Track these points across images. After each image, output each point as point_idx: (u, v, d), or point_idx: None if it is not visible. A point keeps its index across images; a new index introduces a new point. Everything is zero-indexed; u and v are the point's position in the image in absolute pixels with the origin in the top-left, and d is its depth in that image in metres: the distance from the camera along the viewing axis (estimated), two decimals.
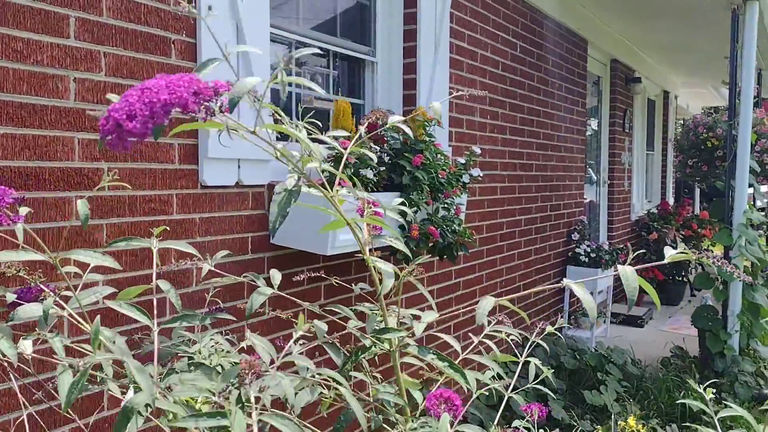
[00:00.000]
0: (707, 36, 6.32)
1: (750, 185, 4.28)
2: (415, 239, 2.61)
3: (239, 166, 2.26)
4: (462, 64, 3.77)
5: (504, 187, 4.37)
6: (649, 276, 7.09)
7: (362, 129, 1.31)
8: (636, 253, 1.16)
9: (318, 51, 1.10)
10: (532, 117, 4.78)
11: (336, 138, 1.44)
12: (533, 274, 4.96)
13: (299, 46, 2.87)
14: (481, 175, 3.15)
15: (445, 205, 2.80)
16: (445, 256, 2.84)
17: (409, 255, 1.31)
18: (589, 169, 6.83)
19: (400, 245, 1.21)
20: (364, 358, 1.22)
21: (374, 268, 1.09)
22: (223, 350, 1.36)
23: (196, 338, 1.43)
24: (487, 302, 1.22)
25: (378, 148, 2.53)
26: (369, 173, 2.42)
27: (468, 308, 1.82)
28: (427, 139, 2.74)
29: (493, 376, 1.61)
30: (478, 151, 3.15)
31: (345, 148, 2.31)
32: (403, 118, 1.29)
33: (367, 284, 1.51)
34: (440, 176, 2.75)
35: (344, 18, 3.18)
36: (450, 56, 3.61)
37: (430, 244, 2.78)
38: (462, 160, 3.09)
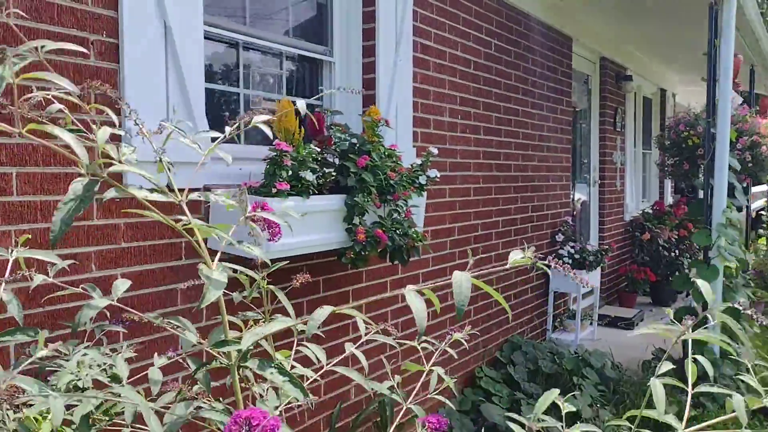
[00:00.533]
0: (698, 32, 6.20)
1: (731, 184, 4.17)
2: (361, 242, 2.54)
3: (168, 170, 2.19)
4: (428, 63, 3.69)
5: (478, 188, 4.29)
6: (641, 277, 6.98)
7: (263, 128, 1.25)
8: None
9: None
10: (509, 116, 4.70)
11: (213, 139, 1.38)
12: (513, 277, 4.87)
13: (247, 47, 2.81)
14: (438, 176, 3.07)
15: (396, 208, 2.73)
16: (396, 260, 2.77)
17: (268, 262, 1.24)
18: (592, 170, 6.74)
19: (255, 252, 1.14)
20: (204, 371, 1.15)
21: (206, 276, 1.01)
22: (97, 366, 1.30)
23: (93, 353, 1.37)
24: (420, 307, 1.14)
25: (316, 149, 2.46)
26: (308, 176, 2.35)
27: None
28: (376, 139, 2.67)
29: (392, 386, 1.54)
30: (435, 151, 3.07)
31: (283, 150, 2.25)
32: (265, 118, 1.23)
33: (252, 291, 1.44)
34: (390, 177, 2.68)
35: (299, 17, 3.12)
36: (414, 55, 3.54)
37: (380, 249, 2.71)
38: (419, 161, 3.02)
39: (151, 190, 1.08)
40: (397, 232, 2.68)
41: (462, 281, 0.97)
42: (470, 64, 4.15)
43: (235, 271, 1.26)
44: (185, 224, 1.15)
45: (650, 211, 7.74)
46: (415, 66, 3.56)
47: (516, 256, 1.05)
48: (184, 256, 2.30)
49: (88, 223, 2.00)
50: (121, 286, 1.24)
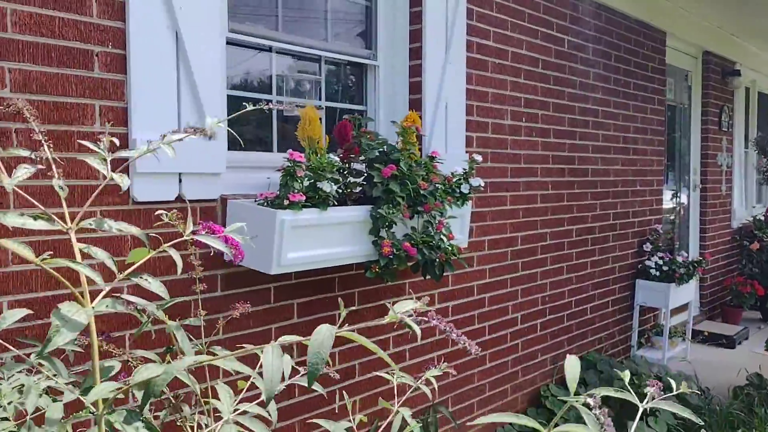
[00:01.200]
0: None
1: None
2: (387, 256, 2.41)
3: (180, 180, 2.17)
4: (486, 64, 3.50)
5: (546, 194, 4.03)
6: (747, 290, 6.36)
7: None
8: None
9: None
10: (586, 117, 4.39)
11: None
12: (589, 289, 4.55)
13: (282, 52, 2.75)
14: (482, 185, 2.88)
15: (430, 219, 2.57)
16: (428, 275, 2.62)
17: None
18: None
19: (153, 286, 1.05)
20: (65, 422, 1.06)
21: (59, 317, 0.92)
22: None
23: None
24: (273, 368, 1.03)
25: (336, 159, 2.35)
26: (326, 186, 2.25)
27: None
28: (406, 147, 2.53)
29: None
30: (479, 158, 2.88)
31: (296, 161, 2.16)
32: (179, 138, 1.13)
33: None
34: (421, 188, 2.53)
35: (340, 20, 3.03)
36: (469, 56, 3.36)
37: (411, 263, 2.57)
38: (458, 169, 2.85)
39: (35, 217, 1.00)
40: (430, 245, 2.52)
41: (323, 339, 0.83)
42: (538, 63, 3.90)
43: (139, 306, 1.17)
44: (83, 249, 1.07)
45: (762, 218, 7.05)
46: (470, 67, 3.38)
47: (404, 307, 0.89)
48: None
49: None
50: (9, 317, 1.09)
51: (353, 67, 3.09)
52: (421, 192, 2.53)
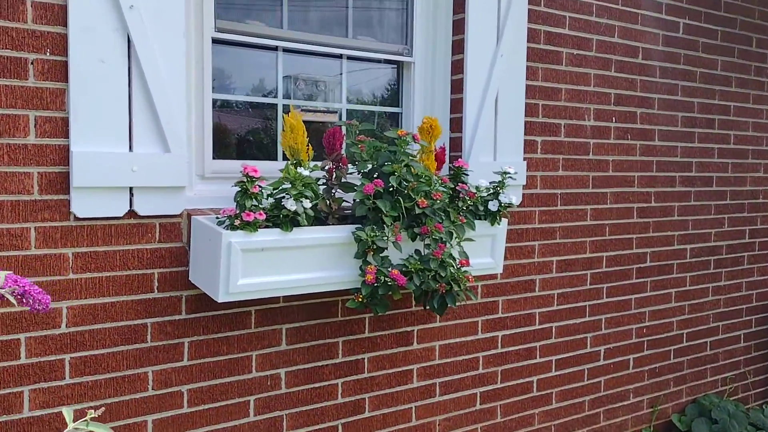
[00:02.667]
0: None
1: None
2: (370, 284, 2.09)
3: (132, 194, 2.01)
4: (558, 56, 2.99)
5: (645, 208, 3.40)
6: None
7: None
8: None
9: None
10: (709, 115, 3.65)
11: None
12: (710, 321, 3.81)
13: (295, 51, 2.51)
14: (514, 202, 2.42)
15: (429, 243, 2.20)
16: (428, 307, 2.24)
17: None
18: None
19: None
20: None
21: None
22: None
23: None
24: None
25: (305, 173, 2.05)
26: (291, 204, 1.98)
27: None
28: (405, 158, 2.17)
29: None
30: (512, 170, 2.43)
31: (249, 175, 1.93)
32: None
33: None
34: (419, 205, 2.16)
35: (367, 8, 2.71)
36: (532, 47, 2.88)
37: (406, 291, 2.22)
38: (484, 183, 2.42)
39: None
40: (428, 272, 2.15)
41: None
42: (636, 52, 3.29)
43: None
44: None
45: None
46: (534, 60, 2.90)
47: None
48: (157, 288, 2.10)
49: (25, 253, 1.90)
50: None
51: (384, 65, 2.77)
52: (420, 210, 2.16)
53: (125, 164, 1.97)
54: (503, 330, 2.92)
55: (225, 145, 2.41)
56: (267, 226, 2.00)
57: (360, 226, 2.14)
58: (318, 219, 2.16)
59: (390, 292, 2.12)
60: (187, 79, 2.20)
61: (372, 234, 2.08)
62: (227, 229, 1.94)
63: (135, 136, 2.00)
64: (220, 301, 1.94)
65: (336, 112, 2.64)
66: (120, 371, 2.05)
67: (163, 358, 2.12)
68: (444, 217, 2.25)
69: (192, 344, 2.17)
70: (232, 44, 2.38)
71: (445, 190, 2.28)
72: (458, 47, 2.73)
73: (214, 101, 2.34)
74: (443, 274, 2.15)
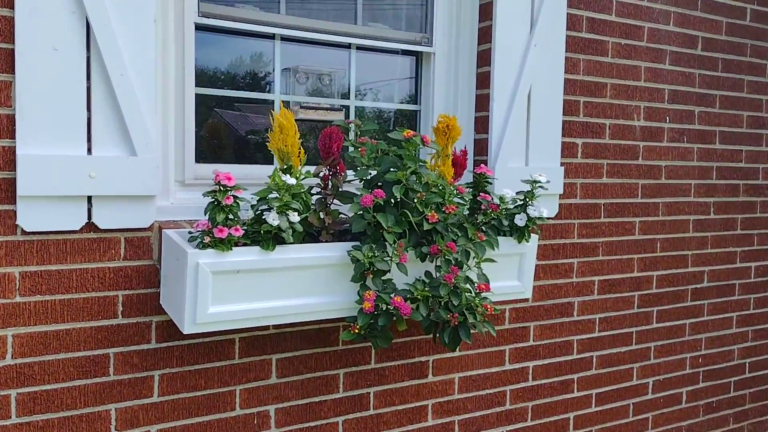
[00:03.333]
0: None
1: None
2: (367, 313, 1.76)
3: (91, 205, 1.72)
4: (603, 45, 2.60)
5: (705, 220, 2.98)
6: None
7: None
8: None
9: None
10: None
11: None
12: None
13: (287, 40, 2.20)
14: (546, 215, 2.06)
15: (440, 264, 1.85)
16: (438, 341, 1.90)
17: None
18: None
19: None
20: None
21: None
22: None
23: None
24: None
25: (291, 180, 1.72)
26: (272, 219, 1.66)
27: None
28: (411, 164, 1.83)
29: None
30: (544, 179, 2.06)
31: (221, 184, 1.63)
32: None
33: None
34: (429, 219, 1.82)
35: None
36: (573, 35, 2.51)
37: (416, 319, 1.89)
38: (509, 193, 2.06)
39: None
40: (437, 299, 1.81)
41: None
42: (695, 42, 2.87)
43: None
44: None
45: None
46: (574, 50, 2.52)
47: None
48: (122, 313, 1.81)
49: None
50: None
51: (399, 56, 2.43)
52: (430, 226, 1.81)
53: (82, 169, 1.69)
54: (535, 360, 2.55)
55: (213, 148, 2.11)
56: (246, 244, 1.70)
57: (358, 243, 1.81)
58: (311, 234, 1.84)
59: (385, 324, 1.79)
60: (165, 72, 1.92)
61: (370, 254, 1.75)
62: (198, 246, 1.64)
63: (94, 136, 1.71)
64: (185, 332, 1.63)
65: (342, 110, 2.31)
66: (77, 409, 1.77)
67: (128, 394, 1.83)
68: (460, 234, 1.90)
69: (163, 378, 1.87)
70: (220, 31, 2.08)
71: (462, 201, 1.93)
72: (485, 36, 2.37)
73: (199, 97, 2.05)
74: (456, 303, 1.81)
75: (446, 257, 1.83)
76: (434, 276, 1.89)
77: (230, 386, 1.97)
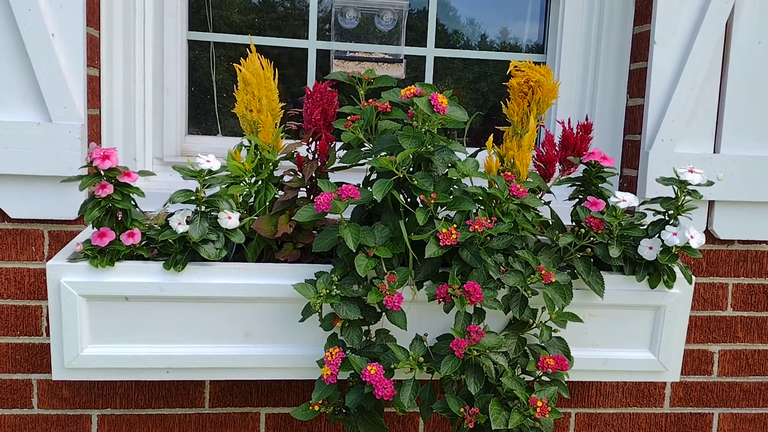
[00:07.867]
0: None
1: None
2: (327, 384, 1.06)
3: None
4: None
5: None
6: None
7: None
8: None
9: None
10: None
11: None
12: None
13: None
14: (695, 244, 1.11)
15: (468, 317, 1.06)
16: None
17: None
18: None
19: None
20: None
21: None
22: None
23: None
24: None
25: (206, 163, 1.08)
26: (176, 223, 1.07)
27: None
28: (432, 147, 1.06)
29: None
30: (698, 178, 1.11)
31: (95, 166, 1.15)
32: None
33: None
34: (443, 240, 1.04)
35: None
36: None
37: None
38: (629, 200, 1.15)
39: None
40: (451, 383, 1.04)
41: None
42: None
43: None
44: None
45: None
46: None
47: None
48: (46, 330, 1.36)
49: None
50: None
51: None
52: (434, 250, 1.04)
53: None
54: None
55: (210, 113, 1.57)
56: (157, 259, 1.12)
57: (329, 266, 1.12)
58: (278, 247, 1.20)
59: (374, 403, 1.07)
60: (142, 9, 1.42)
61: (327, 290, 1.04)
62: (80, 257, 1.11)
63: (5, 98, 1.28)
64: (54, 378, 1.12)
65: (402, 62, 1.59)
66: None
67: None
68: (514, 267, 1.09)
69: (103, 420, 1.40)
70: None
71: (522, 210, 1.10)
72: None
73: (193, 45, 1.51)
74: (476, 388, 1.01)
75: (467, 309, 1.04)
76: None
77: None
